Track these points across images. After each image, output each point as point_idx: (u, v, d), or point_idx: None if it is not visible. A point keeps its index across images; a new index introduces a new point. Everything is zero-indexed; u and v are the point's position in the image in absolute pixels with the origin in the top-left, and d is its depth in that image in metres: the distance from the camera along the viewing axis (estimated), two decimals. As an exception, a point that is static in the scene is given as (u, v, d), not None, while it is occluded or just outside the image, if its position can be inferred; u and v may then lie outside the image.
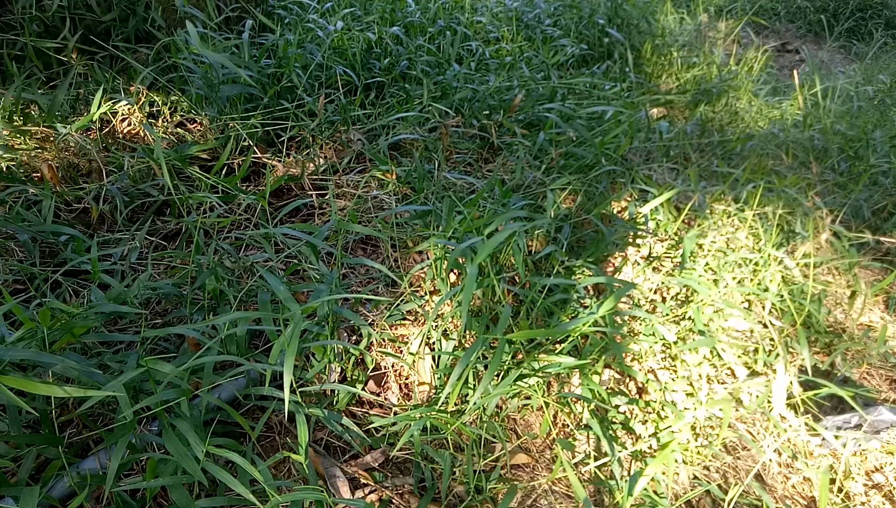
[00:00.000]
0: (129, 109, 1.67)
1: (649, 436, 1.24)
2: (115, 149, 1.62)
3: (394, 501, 1.05)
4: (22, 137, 1.46)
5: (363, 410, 1.18)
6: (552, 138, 1.90)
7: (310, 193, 1.67)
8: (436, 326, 1.29)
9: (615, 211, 1.79)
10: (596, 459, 1.19)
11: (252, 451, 1.02)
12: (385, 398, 1.22)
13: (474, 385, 1.20)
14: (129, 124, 1.68)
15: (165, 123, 1.73)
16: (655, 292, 1.59)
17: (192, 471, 0.84)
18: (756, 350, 1.48)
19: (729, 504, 1.12)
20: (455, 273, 1.45)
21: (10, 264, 1.24)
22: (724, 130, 2.51)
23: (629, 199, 1.78)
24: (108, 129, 1.67)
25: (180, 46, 1.78)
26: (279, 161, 1.73)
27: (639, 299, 1.55)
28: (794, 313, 1.49)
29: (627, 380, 1.38)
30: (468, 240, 1.18)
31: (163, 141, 1.69)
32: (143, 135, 1.69)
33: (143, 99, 1.70)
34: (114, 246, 1.42)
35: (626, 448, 1.21)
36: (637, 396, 1.35)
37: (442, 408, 1.13)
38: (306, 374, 1.14)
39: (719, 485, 1.21)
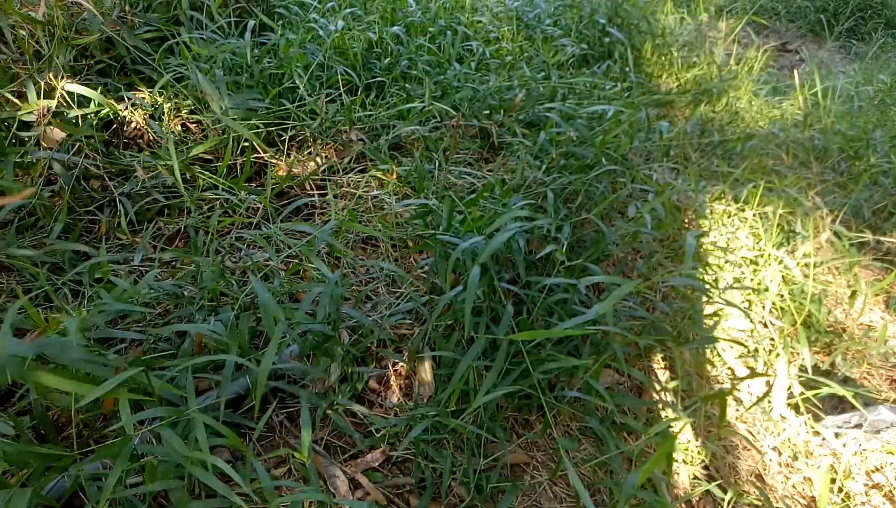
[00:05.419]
0: (133, 110, 1.67)
1: (649, 436, 1.24)
2: (120, 150, 1.62)
3: (394, 501, 1.05)
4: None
5: (363, 410, 1.18)
6: (553, 138, 1.90)
7: (311, 193, 1.68)
8: (436, 326, 1.29)
9: (615, 211, 1.79)
10: (596, 459, 1.19)
11: (252, 451, 1.02)
12: (385, 398, 1.22)
13: (475, 385, 1.20)
14: (136, 127, 1.68)
15: (169, 123, 1.73)
16: (656, 292, 1.59)
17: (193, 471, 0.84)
18: (756, 350, 1.49)
19: (729, 504, 1.12)
20: (455, 273, 1.46)
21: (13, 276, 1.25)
22: (725, 130, 2.51)
23: (630, 199, 1.78)
24: (111, 129, 1.67)
25: (183, 47, 1.78)
26: (281, 161, 1.74)
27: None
28: (794, 313, 1.49)
29: (627, 380, 1.38)
30: (469, 240, 1.18)
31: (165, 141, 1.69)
32: (148, 135, 1.69)
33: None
34: (118, 251, 1.42)
35: (626, 448, 1.21)
36: (637, 395, 1.35)
37: (442, 408, 1.14)
38: (307, 374, 1.15)
39: (719, 485, 1.21)
